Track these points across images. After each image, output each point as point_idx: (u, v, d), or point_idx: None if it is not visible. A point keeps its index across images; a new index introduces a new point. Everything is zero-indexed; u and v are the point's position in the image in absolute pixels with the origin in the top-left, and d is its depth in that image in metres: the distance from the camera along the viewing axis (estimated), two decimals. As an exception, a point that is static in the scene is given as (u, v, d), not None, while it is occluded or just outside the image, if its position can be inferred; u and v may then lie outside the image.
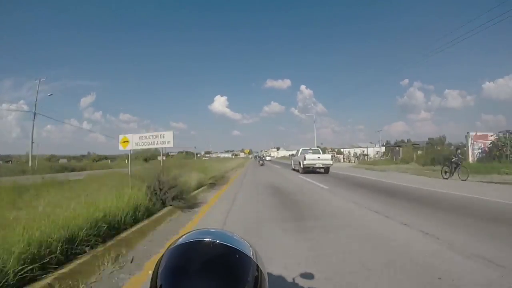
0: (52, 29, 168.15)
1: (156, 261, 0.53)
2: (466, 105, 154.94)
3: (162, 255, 0.53)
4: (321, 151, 17.02)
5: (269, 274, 0.65)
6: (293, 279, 2.00)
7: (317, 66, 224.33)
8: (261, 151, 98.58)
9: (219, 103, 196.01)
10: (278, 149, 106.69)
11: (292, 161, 18.53)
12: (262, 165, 29.69)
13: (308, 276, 2.21)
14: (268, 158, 65.35)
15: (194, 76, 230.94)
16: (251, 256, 0.53)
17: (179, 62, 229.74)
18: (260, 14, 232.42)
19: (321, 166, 14.74)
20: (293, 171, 16.63)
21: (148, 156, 42.36)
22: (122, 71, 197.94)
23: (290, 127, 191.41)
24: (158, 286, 0.47)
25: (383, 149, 53.56)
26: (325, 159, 14.92)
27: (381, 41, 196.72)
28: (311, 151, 16.77)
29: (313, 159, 14.68)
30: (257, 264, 0.53)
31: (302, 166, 14.74)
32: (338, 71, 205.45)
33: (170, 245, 0.55)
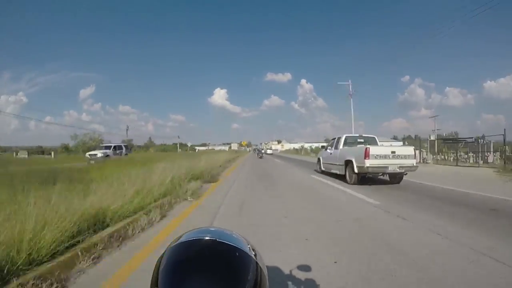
0: (53, 23, 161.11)
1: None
2: (466, 103, 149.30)
3: (163, 253, 0.52)
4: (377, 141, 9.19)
5: None
6: (290, 271, 1.94)
7: (318, 60, 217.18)
8: (261, 143, 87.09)
9: (219, 96, 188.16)
10: (279, 142, 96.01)
11: (322, 158, 10.42)
12: (260, 157, 28.85)
13: (305, 268, 2.14)
14: (269, 151, 56.37)
15: (194, 69, 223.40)
16: (251, 254, 0.52)
17: (180, 55, 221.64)
18: (261, 10, 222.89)
19: (396, 170, 6.98)
20: (325, 180, 8.82)
21: (90, 146, 31.76)
22: (122, 64, 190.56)
23: (290, 121, 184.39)
24: (159, 284, 0.46)
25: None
26: (404, 155, 7.12)
27: (382, 37, 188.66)
28: (361, 139, 8.98)
29: (384, 156, 6.91)
30: (256, 262, 0.52)
31: (356, 169, 7.07)
32: (338, 66, 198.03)
33: (171, 243, 0.54)
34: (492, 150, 14.02)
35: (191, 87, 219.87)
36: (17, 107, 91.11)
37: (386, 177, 7.97)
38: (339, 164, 8.33)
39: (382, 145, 8.11)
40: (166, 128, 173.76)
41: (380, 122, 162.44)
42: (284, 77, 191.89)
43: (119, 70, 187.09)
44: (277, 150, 77.85)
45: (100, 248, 2.66)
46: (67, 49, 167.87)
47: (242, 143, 42.09)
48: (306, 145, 64.19)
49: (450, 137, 18.99)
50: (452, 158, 15.37)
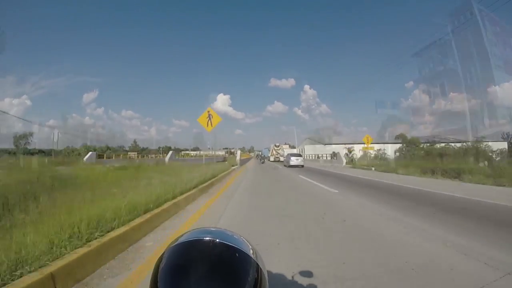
0: (55, 26, 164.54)
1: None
2: (470, 109, 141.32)
3: (162, 254, 0.52)
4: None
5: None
6: (292, 277, 1.91)
7: (322, 67, 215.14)
8: (268, 149, 52.23)
9: (222, 102, 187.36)
10: (292, 146, 58.80)
11: None
12: (262, 162, 21.41)
13: (307, 274, 2.08)
14: (295, 160, 22.15)
15: (197, 75, 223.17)
16: (251, 255, 0.52)
17: (183, 60, 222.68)
18: (264, 13, 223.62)
19: None
20: None
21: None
22: (125, 68, 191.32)
23: (291, 127, 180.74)
24: (158, 285, 0.46)
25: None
26: None
27: (387, 43, 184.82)
28: None
29: None
30: (257, 263, 0.52)
31: None
32: (342, 72, 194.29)
33: (170, 244, 0.54)
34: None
35: (194, 94, 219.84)
36: (21, 109, 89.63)
37: None
38: None
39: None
40: (169, 133, 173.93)
41: (384, 127, 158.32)
42: (288, 82, 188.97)
43: (121, 74, 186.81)
44: (316, 158, 35.43)
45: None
46: (69, 53, 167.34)
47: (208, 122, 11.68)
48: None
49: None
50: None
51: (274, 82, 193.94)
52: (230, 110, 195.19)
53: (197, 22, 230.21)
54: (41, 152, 38.47)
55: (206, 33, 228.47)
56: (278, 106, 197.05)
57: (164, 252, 0.51)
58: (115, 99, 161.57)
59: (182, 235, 0.55)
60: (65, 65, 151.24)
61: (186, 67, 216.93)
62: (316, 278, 2.08)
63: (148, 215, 3.57)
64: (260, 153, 52.78)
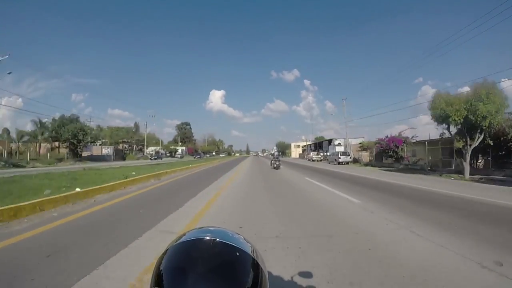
0: (41, 26, 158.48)
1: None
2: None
3: (164, 253, 0.52)
4: None
5: None
6: (291, 277, 1.96)
7: (324, 67, 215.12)
8: (276, 151, 40.95)
9: (219, 102, 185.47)
10: (331, 141, 49.23)
11: None
12: (276, 167, 16.86)
13: (306, 275, 2.12)
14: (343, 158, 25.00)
15: (193, 74, 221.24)
16: (251, 254, 0.53)
17: (181, 60, 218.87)
18: (266, 12, 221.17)
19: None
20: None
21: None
22: (115, 66, 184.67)
23: (292, 127, 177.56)
24: (161, 284, 0.47)
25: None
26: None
27: (391, 42, 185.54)
28: None
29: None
30: (257, 262, 0.52)
31: None
32: (344, 73, 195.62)
33: (171, 243, 0.54)
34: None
35: (191, 92, 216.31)
36: (12, 109, 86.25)
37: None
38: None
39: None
40: (164, 135, 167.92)
41: (383, 129, 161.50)
42: (289, 81, 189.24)
43: (112, 73, 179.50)
44: None
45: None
46: (58, 53, 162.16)
47: None
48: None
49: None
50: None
51: (273, 81, 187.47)
52: (227, 109, 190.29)
53: (197, 21, 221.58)
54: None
55: (203, 34, 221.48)
56: (278, 105, 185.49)
57: (165, 252, 0.52)
58: (105, 98, 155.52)
59: (182, 235, 0.56)
60: (52, 65, 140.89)
61: (184, 69, 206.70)
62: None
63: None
64: (275, 151, 36.46)
